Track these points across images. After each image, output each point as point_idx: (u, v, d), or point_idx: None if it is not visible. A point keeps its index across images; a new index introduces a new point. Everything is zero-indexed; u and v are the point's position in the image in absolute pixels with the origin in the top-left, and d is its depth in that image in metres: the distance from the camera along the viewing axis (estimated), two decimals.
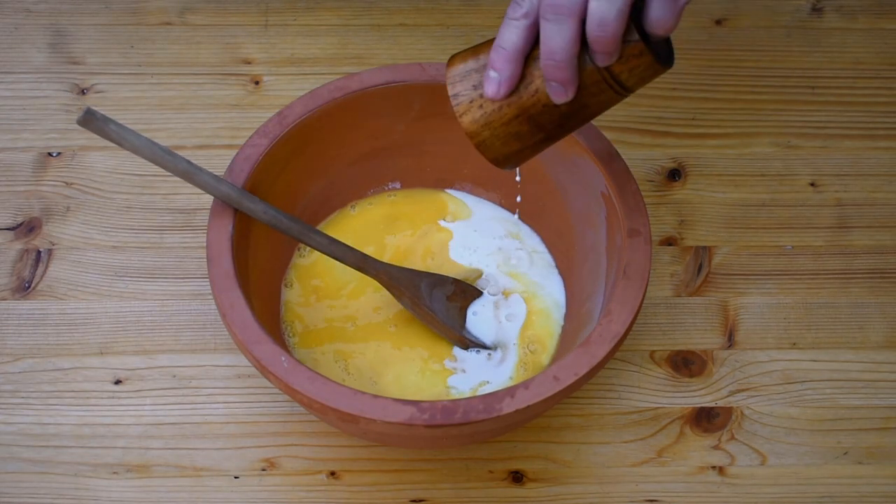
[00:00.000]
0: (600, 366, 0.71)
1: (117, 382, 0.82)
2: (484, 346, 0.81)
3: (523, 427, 0.80)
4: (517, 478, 0.79)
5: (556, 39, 0.65)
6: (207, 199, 0.77)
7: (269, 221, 0.75)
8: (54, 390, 0.81)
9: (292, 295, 0.82)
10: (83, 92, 0.95)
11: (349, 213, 0.86)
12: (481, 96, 0.69)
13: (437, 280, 0.81)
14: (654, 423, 0.82)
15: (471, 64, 0.69)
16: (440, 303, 0.81)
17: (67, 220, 0.89)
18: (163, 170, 0.73)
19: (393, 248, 0.85)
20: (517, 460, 0.80)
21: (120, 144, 0.71)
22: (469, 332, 0.81)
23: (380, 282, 0.79)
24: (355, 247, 0.78)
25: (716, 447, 0.81)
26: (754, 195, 0.92)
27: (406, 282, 0.80)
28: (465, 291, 0.82)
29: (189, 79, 0.96)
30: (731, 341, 0.85)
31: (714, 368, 0.84)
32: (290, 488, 0.79)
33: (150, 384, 0.82)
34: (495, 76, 0.67)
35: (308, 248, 0.84)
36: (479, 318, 0.82)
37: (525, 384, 0.70)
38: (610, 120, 0.87)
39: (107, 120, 0.70)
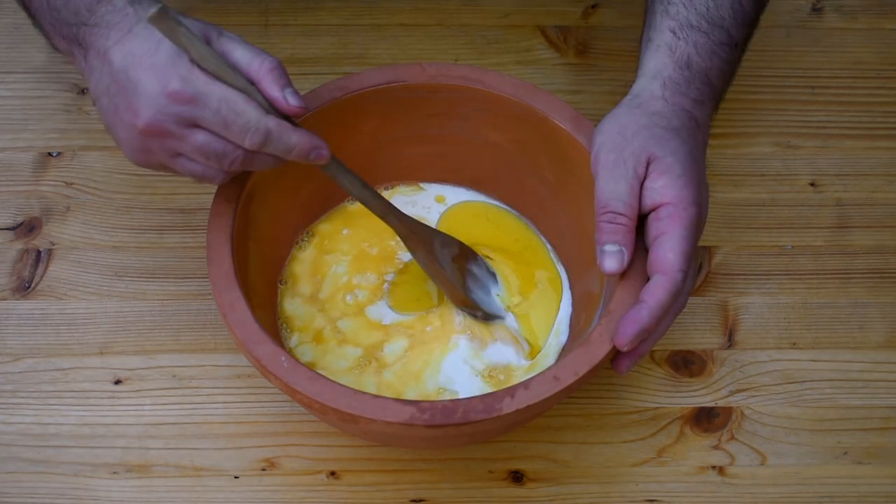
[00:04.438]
0: (600, 366, 0.71)
1: (117, 382, 0.82)
2: (482, 312, 0.81)
3: (523, 427, 0.80)
4: (517, 478, 0.79)
5: None
6: (207, 199, 0.77)
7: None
8: (54, 390, 0.81)
9: (289, 291, 0.82)
10: (83, 92, 0.95)
11: (347, 208, 0.87)
12: None
13: (446, 240, 0.82)
14: (654, 423, 0.82)
15: None
16: (447, 262, 0.81)
17: (67, 220, 0.89)
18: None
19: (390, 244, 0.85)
20: (517, 460, 0.80)
21: (185, 49, 0.68)
22: (471, 295, 0.82)
23: (399, 233, 0.80)
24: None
25: (716, 447, 0.81)
26: (754, 195, 0.92)
27: (424, 236, 0.80)
28: (466, 255, 0.83)
29: None
30: (731, 341, 0.85)
31: (714, 368, 0.84)
32: (290, 488, 0.79)
33: (150, 384, 0.82)
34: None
35: (306, 241, 0.84)
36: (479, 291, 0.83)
37: (525, 384, 0.70)
38: None
39: (179, 22, 0.67)
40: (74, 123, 0.93)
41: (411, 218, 0.80)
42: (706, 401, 0.83)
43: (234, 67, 0.70)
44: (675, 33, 0.77)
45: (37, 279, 0.86)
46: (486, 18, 1.01)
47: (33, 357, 0.83)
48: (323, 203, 0.86)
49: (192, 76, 0.68)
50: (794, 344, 0.85)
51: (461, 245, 0.83)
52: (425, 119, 0.84)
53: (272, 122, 0.70)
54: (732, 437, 0.81)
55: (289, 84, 0.71)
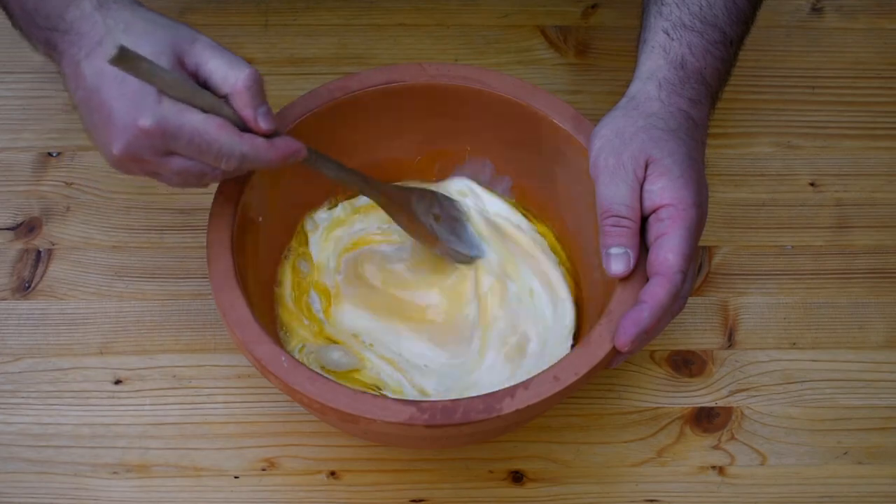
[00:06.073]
0: (600, 366, 0.71)
1: (117, 382, 0.82)
2: (468, 256, 0.83)
3: (523, 427, 0.80)
4: (517, 478, 0.79)
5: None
6: (207, 199, 0.77)
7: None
8: (54, 390, 0.81)
9: (287, 288, 0.82)
10: None
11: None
12: None
13: (421, 194, 0.83)
14: (654, 423, 0.82)
15: None
16: (427, 216, 0.82)
17: (67, 220, 0.89)
18: None
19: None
20: (517, 460, 0.80)
21: (151, 83, 0.68)
22: (453, 244, 0.83)
23: (379, 203, 0.81)
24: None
25: (716, 447, 0.81)
26: (754, 195, 0.92)
27: (401, 199, 0.82)
28: (440, 203, 0.84)
29: None
30: (731, 341, 0.85)
31: (714, 368, 0.84)
32: (290, 488, 0.79)
33: (150, 384, 0.82)
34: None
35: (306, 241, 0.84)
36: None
37: (525, 384, 0.70)
38: None
39: (140, 59, 0.67)
40: (74, 123, 0.92)
41: (388, 185, 0.82)
42: (706, 401, 0.83)
43: (206, 84, 0.70)
44: (668, 34, 0.77)
45: (37, 279, 0.86)
46: (486, 18, 1.01)
47: (33, 357, 0.83)
48: (323, 202, 0.86)
49: (161, 108, 0.68)
50: (794, 344, 0.85)
51: (433, 194, 0.84)
52: (425, 119, 0.84)
53: (246, 146, 0.70)
54: (732, 437, 0.81)
55: (262, 102, 0.71)
